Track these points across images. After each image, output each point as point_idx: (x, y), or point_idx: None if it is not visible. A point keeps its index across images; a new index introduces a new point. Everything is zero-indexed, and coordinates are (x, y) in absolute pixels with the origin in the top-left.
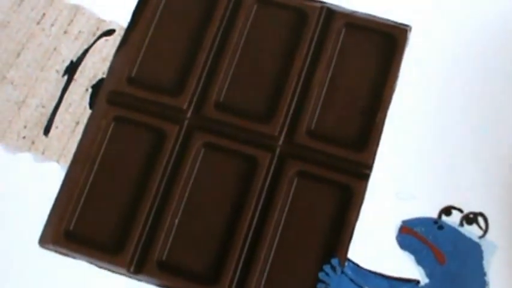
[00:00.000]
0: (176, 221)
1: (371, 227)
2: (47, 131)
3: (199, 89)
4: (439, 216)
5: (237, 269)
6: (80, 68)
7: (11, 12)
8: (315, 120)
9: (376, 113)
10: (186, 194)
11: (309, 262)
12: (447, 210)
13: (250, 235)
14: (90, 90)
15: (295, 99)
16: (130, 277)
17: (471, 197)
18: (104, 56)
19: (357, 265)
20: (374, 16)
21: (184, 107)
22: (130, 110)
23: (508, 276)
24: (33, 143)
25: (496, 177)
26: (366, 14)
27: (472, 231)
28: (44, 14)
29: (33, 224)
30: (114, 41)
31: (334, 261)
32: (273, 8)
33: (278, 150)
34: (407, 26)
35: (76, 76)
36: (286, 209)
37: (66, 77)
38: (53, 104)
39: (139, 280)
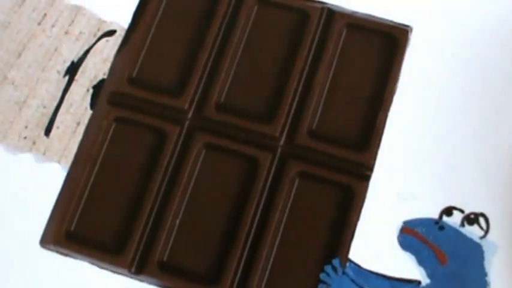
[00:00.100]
0: (177, 221)
1: (372, 227)
2: (48, 131)
3: (200, 89)
4: (440, 216)
5: (238, 270)
6: (80, 69)
7: (12, 12)
8: (316, 121)
9: (377, 113)
10: (187, 195)
11: (310, 262)
12: (448, 211)
13: (251, 235)
14: (91, 90)
15: (296, 99)
16: (131, 277)
17: (472, 198)
18: (104, 56)
19: (358, 265)
20: (375, 16)
21: (185, 107)
22: (131, 111)
23: (509, 277)
24: (34, 143)
25: (496, 178)
26: (366, 15)
27: (473, 231)
28: (45, 15)
29: (34, 224)
30: (115, 41)
31: (335, 262)
32: (273, 8)
33: (279, 150)
34: (408, 26)
35: (77, 77)
36: (287, 209)
37: (67, 78)
38: (54, 104)
39: (140, 281)
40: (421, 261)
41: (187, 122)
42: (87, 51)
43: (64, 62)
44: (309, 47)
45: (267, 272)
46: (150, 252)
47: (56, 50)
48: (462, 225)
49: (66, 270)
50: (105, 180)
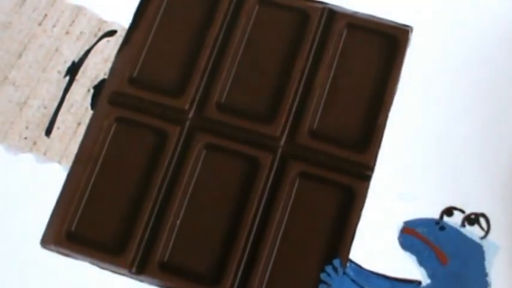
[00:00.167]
0: (178, 221)
1: (373, 227)
2: (48, 131)
3: (201, 89)
4: (441, 217)
5: (239, 270)
6: (81, 69)
7: (13, 13)
8: (316, 121)
9: (377, 113)
10: (188, 195)
11: (311, 263)
12: (449, 211)
13: (252, 236)
14: (91, 91)
15: (297, 100)
16: (132, 278)
17: (473, 198)
18: (105, 56)
19: (359, 266)
20: (375, 17)
21: (186, 107)
22: (132, 111)
23: (510, 277)
24: (35, 143)
25: (497, 178)
26: (367, 15)
27: (473, 231)
28: (45, 15)
29: (35, 224)
30: (116, 41)
31: (336, 262)
32: (274, 8)
33: (280, 151)
34: (408, 26)
35: (78, 77)
36: (288, 209)
37: (67, 78)
38: (55, 104)
39: (141, 281)
40: (421, 262)
41: (188, 122)
42: (87, 52)
43: (65, 62)
44: (309, 47)
45: (268, 272)
46: (151, 253)
47: (56, 50)
48: (463, 225)
49: (67, 271)
50: (106, 180)
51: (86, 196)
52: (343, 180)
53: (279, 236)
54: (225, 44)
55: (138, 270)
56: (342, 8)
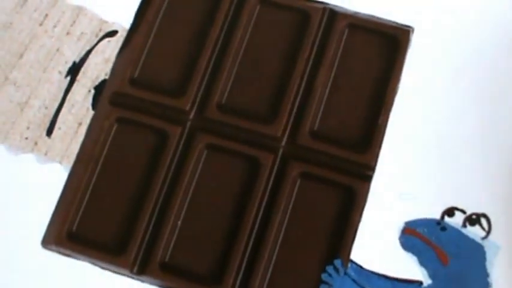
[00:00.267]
0: (179, 222)
1: (374, 228)
2: (49, 132)
3: (201, 90)
4: (442, 217)
5: (240, 270)
6: (82, 69)
7: (14, 13)
8: (317, 122)
9: (378, 114)
10: (189, 195)
11: (312, 263)
12: (450, 211)
13: (253, 236)
14: (92, 91)
15: (298, 100)
16: (133, 278)
17: (474, 198)
18: (106, 57)
19: (360, 266)
20: (377, 17)
21: (187, 108)
22: (132, 111)
23: (511, 277)
24: (36, 144)
25: (498, 178)
26: (368, 15)
27: (474, 232)
28: (46, 15)
29: (35, 225)
30: (117, 42)
31: (337, 263)
32: (275, 9)
33: (281, 151)
34: (409, 27)
35: (79, 77)
36: (289, 210)
37: (68, 78)
38: (56, 105)
39: (142, 281)
40: (422, 262)
41: (189, 123)
42: (88, 52)
43: (66, 62)
44: (310, 47)
45: (269, 272)
46: (152, 253)
47: (57, 50)
48: (464, 225)
49: (68, 271)
50: (107, 180)
51: (87, 196)
52: (344, 181)
53: (280, 236)
54: (226, 44)
55: (139, 270)
56: (343, 8)
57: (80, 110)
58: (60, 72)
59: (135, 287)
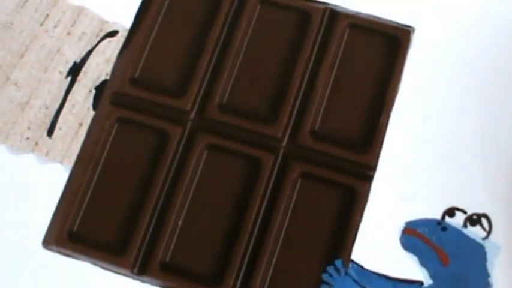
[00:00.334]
0: (180, 222)
1: (375, 228)
2: (50, 132)
3: (202, 90)
4: (443, 217)
5: (241, 271)
6: (83, 69)
7: (15, 13)
8: (318, 122)
9: (379, 114)
10: (190, 196)
11: (313, 263)
12: (451, 212)
13: (253, 236)
14: (93, 91)
15: (299, 100)
16: (133, 278)
17: (474, 198)
18: (107, 57)
19: (361, 266)
20: (377, 17)
21: (188, 108)
22: (133, 111)
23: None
24: (36, 144)
25: (499, 178)
26: (369, 15)
27: (475, 232)
28: (47, 15)
29: (36, 225)
30: (118, 42)
31: (338, 263)
32: (276, 9)
33: (282, 151)
34: (410, 27)
35: (79, 77)
36: (290, 210)
37: (69, 78)
38: (57, 105)
39: (142, 281)
40: (423, 262)
41: (189, 123)
42: (89, 52)
43: (66, 62)
44: (311, 47)
45: (270, 273)
46: (153, 253)
47: (58, 50)
48: (465, 226)
49: (69, 271)
50: (108, 180)
51: (88, 196)
52: (345, 181)
53: (281, 237)
54: (227, 44)
55: (140, 270)
56: (343, 8)
57: (80, 110)
58: (60, 73)
59: (135, 287)
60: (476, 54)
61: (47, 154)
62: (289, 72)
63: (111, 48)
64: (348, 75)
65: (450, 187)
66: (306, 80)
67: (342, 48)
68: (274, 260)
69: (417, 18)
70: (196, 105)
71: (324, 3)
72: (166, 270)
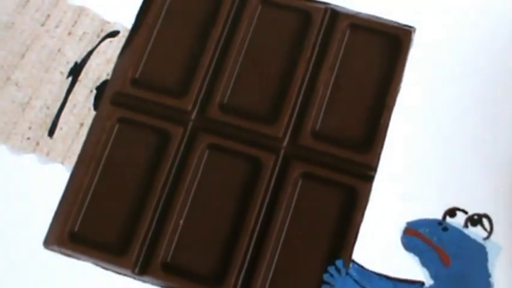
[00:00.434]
0: (181, 222)
1: (375, 228)
2: (51, 132)
3: (203, 90)
4: (444, 217)
5: (242, 271)
6: (84, 70)
7: (16, 13)
8: (319, 122)
9: (380, 114)
10: (191, 196)
11: (314, 263)
12: (451, 212)
13: (254, 236)
14: (94, 91)
15: (300, 100)
16: (134, 278)
17: (475, 199)
18: (108, 57)
19: (362, 266)
20: (378, 17)
21: (189, 108)
22: (134, 112)
23: None
24: (37, 144)
25: (500, 179)
26: (370, 15)
27: (476, 232)
28: (48, 16)
29: (37, 225)
30: (119, 42)
31: (339, 263)
32: (277, 9)
33: (282, 151)
34: (411, 27)
35: (80, 77)
36: (291, 210)
37: (70, 79)
38: (58, 105)
39: (143, 281)
40: (424, 262)
41: (190, 123)
42: (90, 52)
43: (67, 62)
44: (312, 47)
45: (271, 273)
46: (154, 253)
47: (59, 50)
48: (465, 226)
49: (70, 271)
50: (109, 181)
51: (89, 196)
52: (346, 181)
53: (282, 237)
54: (228, 44)
55: (141, 270)
56: (344, 8)
57: (81, 111)
58: (61, 73)
59: (136, 287)
60: (476, 54)
61: (48, 154)
62: (290, 72)
63: (112, 49)
64: (349, 75)
65: (451, 187)
66: (306, 79)
67: (342, 48)
68: (275, 260)
69: (418, 18)
70: (197, 105)
71: (324, 3)
72: (167, 270)
